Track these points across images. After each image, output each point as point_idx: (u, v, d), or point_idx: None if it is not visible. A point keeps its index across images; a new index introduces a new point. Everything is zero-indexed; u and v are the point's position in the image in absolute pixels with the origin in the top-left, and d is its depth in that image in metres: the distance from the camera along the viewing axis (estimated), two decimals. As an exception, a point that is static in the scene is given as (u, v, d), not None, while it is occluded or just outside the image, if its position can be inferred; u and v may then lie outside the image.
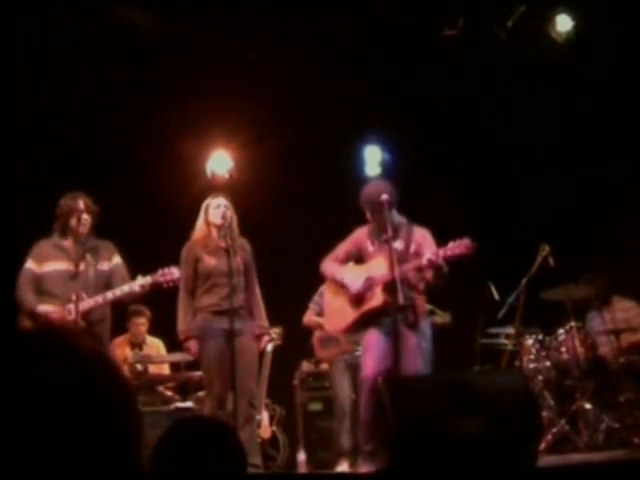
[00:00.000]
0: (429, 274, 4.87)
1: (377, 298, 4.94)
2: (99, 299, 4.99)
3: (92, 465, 0.94)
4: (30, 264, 5.09)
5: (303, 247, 5.84)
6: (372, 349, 4.95)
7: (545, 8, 7.44)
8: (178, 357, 6.24)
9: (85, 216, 5.14)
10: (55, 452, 0.92)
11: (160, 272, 5.02)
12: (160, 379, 6.70)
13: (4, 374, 0.94)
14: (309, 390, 6.96)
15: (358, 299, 5.06)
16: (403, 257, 4.88)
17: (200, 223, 5.37)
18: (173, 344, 6.41)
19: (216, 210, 5.30)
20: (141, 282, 5.00)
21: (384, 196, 5.02)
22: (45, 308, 4.94)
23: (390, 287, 4.76)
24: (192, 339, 5.21)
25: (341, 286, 5.14)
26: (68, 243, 5.16)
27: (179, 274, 5.07)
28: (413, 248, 5.00)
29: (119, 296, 5.02)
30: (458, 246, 4.64)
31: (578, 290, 6.49)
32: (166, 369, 6.86)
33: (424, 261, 4.72)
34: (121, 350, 6.61)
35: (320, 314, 6.02)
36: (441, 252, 4.70)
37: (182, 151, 7.24)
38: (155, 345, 6.89)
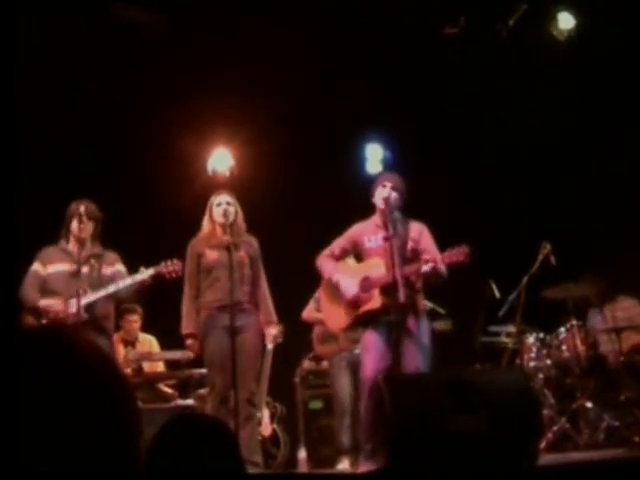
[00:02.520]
0: (427, 276, 4.86)
1: (375, 300, 4.93)
2: (101, 292, 5.01)
3: (91, 463, 0.94)
4: (36, 266, 5.16)
5: (304, 245, 5.83)
6: (371, 350, 4.94)
7: (547, 6, 7.43)
8: (178, 354, 6.24)
9: (84, 219, 5.15)
10: (54, 450, 0.93)
11: (163, 264, 5.03)
12: (160, 376, 6.70)
13: (4, 371, 0.95)
14: (310, 388, 6.97)
15: (354, 302, 5.05)
16: (401, 255, 4.87)
17: (205, 221, 5.42)
18: (167, 340, 6.42)
19: (218, 208, 5.33)
20: (143, 274, 5.01)
21: (386, 193, 5.03)
22: (47, 302, 4.96)
23: (389, 287, 4.75)
24: (193, 337, 5.24)
25: (336, 288, 5.14)
26: (72, 247, 5.20)
27: (181, 266, 5.09)
28: (410, 245, 4.99)
29: (121, 288, 5.03)
30: (456, 254, 4.66)
31: (579, 289, 6.48)
32: (160, 366, 6.87)
33: (424, 269, 4.71)
34: (115, 348, 6.61)
35: (320, 310, 6.03)
36: (439, 259, 4.71)
37: (183, 149, 7.24)
38: (147, 341, 6.91)
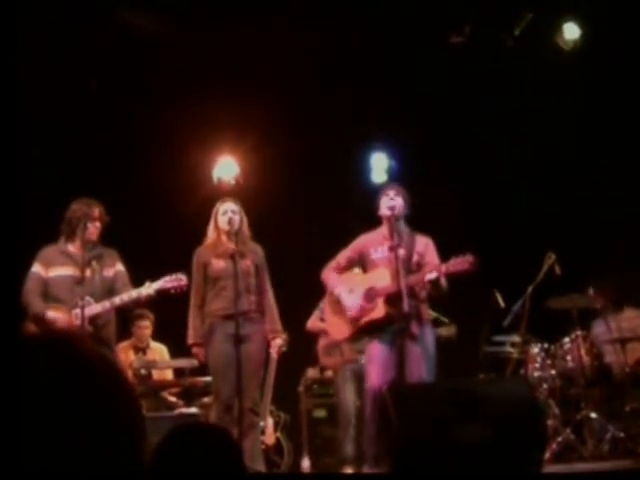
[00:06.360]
0: (428, 287, 4.88)
1: (379, 310, 4.93)
2: (106, 304, 4.99)
3: (94, 469, 0.94)
4: (37, 268, 5.08)
5: (309, 253, 5.84)
6: (375, 360, 4.94)
7: (552, 16, 7.44)
8: (183, 363, 6.24)
9: (97, 224, 5.15)
10: (58, 456, 0.93)
11: (168, 278, 5.03)
12: (164, 384, 6.70)
13: (9, 378, 0.95)
14: (314, 397, 6.96)
15: (354, 319, 5.06)
16: (406, 267, 4.88)
17: (210, 228, 5.41)
18: (177, 349, 6.42)
19: (223, 216, 5.32)
20: (149, 288, 5.00)
21: (391, 202, 5.05)
22: (53, 315, 4.92)
23: (394, 297, 4.75)
24: (199, 345, 5.24)
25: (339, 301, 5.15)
26: (74, 248, 5.15)
27: (186, 280, 5.08)
28: (415, 258, 5.00)
29: (126, 301, 5.02)
30: (461, 262, 4.64)
31: (584, 299, 6.46)
32: (170, 374, 6.86)
33: (427, 279, 4.72)
34: (125, 355, 6.60)
35: (324, 320, 6.03)
36: (443, 268, 4.70)
37: (189, 157, 7.26)
38: (158, 350, 6.89)
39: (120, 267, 5.27)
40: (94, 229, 5.14)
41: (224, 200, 5.44)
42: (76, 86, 7.00)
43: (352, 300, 5.04)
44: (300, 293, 6.37)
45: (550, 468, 5.10)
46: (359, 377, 5.95)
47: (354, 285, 5.14)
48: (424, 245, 5.10)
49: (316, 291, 5.92)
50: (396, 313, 4.74)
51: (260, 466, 5.12)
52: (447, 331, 6.54)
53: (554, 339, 6.50)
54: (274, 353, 5.84)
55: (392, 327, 4.82)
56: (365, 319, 5.02)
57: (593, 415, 5.94)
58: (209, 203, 5.52)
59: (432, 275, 4.71)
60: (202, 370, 5.78)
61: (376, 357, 4.94)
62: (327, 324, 5.56)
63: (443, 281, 4.77)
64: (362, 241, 5.26)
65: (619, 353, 6.19)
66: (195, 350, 5.29)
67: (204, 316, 5.24)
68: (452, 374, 5.72)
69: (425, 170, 7.54)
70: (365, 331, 5.07)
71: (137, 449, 1.03)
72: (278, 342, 5.53)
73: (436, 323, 6.20)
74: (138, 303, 5.20)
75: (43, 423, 0.93)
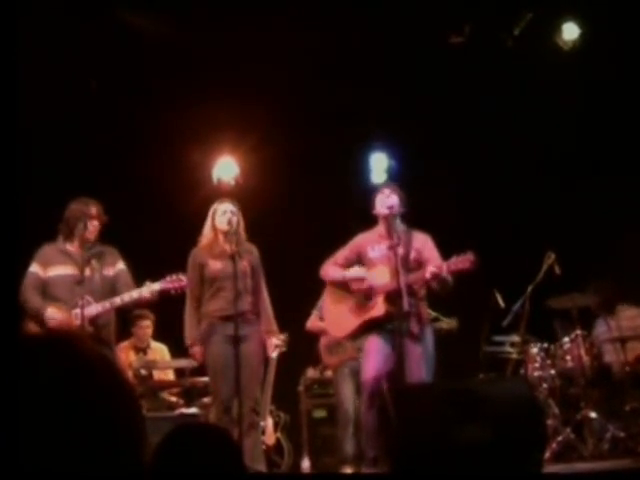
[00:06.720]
0: (433, 284, 4.89)
1: (379, 308, 4.94)
2: (107, 304, 4.98)
3: (94, 469, 0.94)
4: (35, 268, 5.06)
5: (308, 253, 5.83)
6: (372, 354, 4.95)
7: (552, 16, 7.45)
8: (183, 363, 6.24)
9: (95, 223, 5.14)
10: (58, 456, 0.93)
11: (168, 279, 5.03)
12: (164, 384, 6.70)
13: (9, 378, 0.95)
14: (314, 397, 6.96)
15: (359, 305, 5.06)
16: (404, 265, 4.89)
17: (207, 229, 5.39)
18: (177, 349, 6.42)
19: (222, 216, 5.31)
20: (149, 288, 5.00)
21: (388, 200, 5.06)
22: (52, 312, 4.91)
23: (393, 295, 4.76)
24: (197, 345, 5.23)
25: (343, 290, 5.15)
26: (73, 248, 5.14)
27: (186, 281, 5.08)
28: (413, 255, 5.02)
29: (127, 302, 5.02)
30: (461, 261, 4.66)
31: (584, 298, 6.47)
32: (170, 374, 6.86)
33: (427, 275, 4.73)
34: (125, 355, 6.61)
35: (323, 319, 6.03)
36: (444, 266, 4.71)
37: (188, 157, 7.26)
38: (159, 350, 6.90)
39: (121, 266, 5.26)
40: (92, 228, 5.14)
41: (222, 200, 5.43)
42: (76, 86, 7.00)
43: (360, 270, 5.08)
44: (299, 293, 6.37)
45: (550, 468, 5.10)
46: (358, 375, 5.94)
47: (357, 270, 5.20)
48: (422, 242, 5.11)
49: (316, 290, 5.92)
50: (396, 311, 4.75)
51: (261, 466, 5.12)
52: (448, 324, 6.53)
53: (554, 339, 6.51)
54: (270, 353, 5.84)
55: (391, 325, 4.83)
56: (365, 317, 5.03)
57: (593, 414, 5.94)
58: (209, 203, 5.52)
59: (432, 270, 4.72)
60: (202, 370, 5.78)
61: (374, 351, 4.95)
62: (326, 322, 5.56)
63: (448, 277, 4.78)
64: (359, 240, 5.27)
65: (619, 352, 6.20)
66: (192, 351, 5.29)
67: (201, 317, 5.24)
68: (452, 374, 5.72)
69: (425, 170, 7.54)
70: (365, 328, 5.08)
71: (137, 449, 1.03)
72: (274, 341, 5.53)
73: (436, 321, 6.22)
74: (138, 303, 5.20)
75: (43, 423, 0.93)
